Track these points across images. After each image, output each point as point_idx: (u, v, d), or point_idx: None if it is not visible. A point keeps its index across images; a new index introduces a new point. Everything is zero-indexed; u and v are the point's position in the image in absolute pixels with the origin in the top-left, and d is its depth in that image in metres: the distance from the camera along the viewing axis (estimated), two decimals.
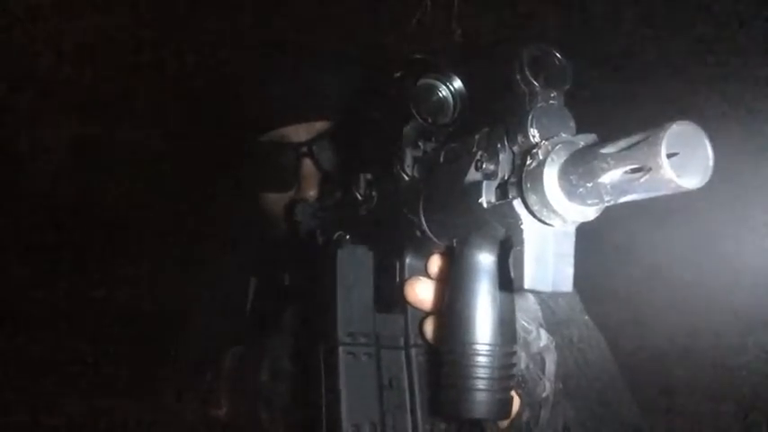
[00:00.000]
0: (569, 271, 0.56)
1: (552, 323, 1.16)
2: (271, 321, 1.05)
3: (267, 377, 0.97)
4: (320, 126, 1.31)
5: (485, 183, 0.60)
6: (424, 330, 0.73)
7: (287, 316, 0.97)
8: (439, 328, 0.68)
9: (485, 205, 0.59)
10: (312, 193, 1.30)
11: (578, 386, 1.11)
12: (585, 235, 0.59)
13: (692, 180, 0.45)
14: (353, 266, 0.74)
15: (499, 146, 0.61)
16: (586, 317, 1.20)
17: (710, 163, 0.46)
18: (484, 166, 0.61)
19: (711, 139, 0.48)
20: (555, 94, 0.58)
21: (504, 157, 0.60)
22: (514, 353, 0.64)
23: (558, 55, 0.59)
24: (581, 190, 0.51)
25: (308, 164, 1.30)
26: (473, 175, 0.62)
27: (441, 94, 0.80)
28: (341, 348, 0.70)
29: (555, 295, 1.11)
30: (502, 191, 0.59)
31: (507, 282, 0.58)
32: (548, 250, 0.55)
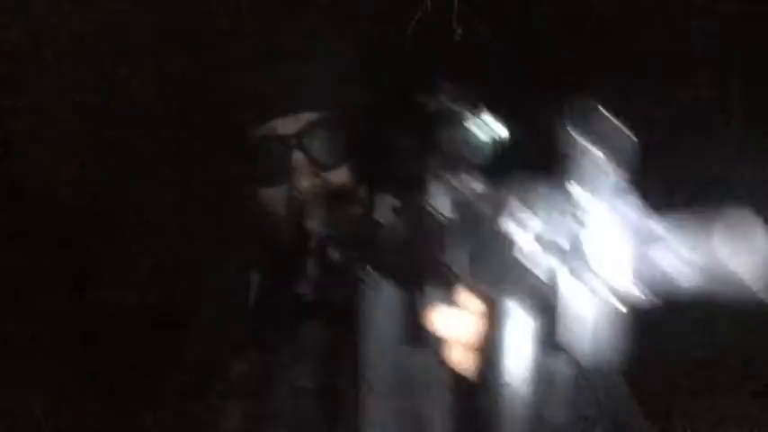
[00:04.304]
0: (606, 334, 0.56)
1: None
2: (285, 332, 1.05)
3: (287, 394, 0.97)
4: (308, 117, 1.34)
5: (523, 236, 0.59)
6: (454, 363, 0.73)
7: (307, 332, 0.97)
8: (474, 364, 0.68)
9: (521, 259, 0.59)
10: (305, 184, 1.33)
11: (579, 388, 1.10)
12: None
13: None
14: (380, 302, 0.74)
15: (536, 200, 0.60)
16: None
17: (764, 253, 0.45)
18: (522, 218, 0.60)
19: None
20: (601, 153, 0.57)
21: (543, 213, 0.59)
22: (545, 394, 0.64)
23: (602, 110, 0.59)
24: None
25: (298, 156, 1.32)
26: (509, 225, 0.62)
27: (475, 135, 0.79)
28: (366, 387, 0.71)
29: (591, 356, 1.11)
30: (537, 246, 0.59)
31: (542, 338, 0.59)
32: (585, 311, 0.55)
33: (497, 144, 0.80)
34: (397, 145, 0.82)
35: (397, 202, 0.86)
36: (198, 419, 1.17)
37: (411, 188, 0.83)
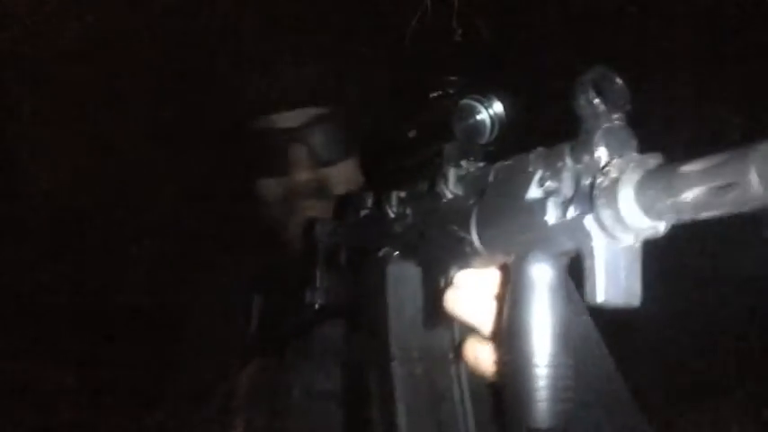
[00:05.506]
0: (638, 286, 0.59)
1: None
2: (294, 341, 1.05)
3: (300, 397, 0.97)
4: (310, 112, 1.39)
5: (550, 200, 0.62)
6: (465, 348, 0.74)
7: (318, 336, 0.98)
8: (497, 340, 0.69)
9: (550, 222, 0.61)
10: (305, 177, 1.39)
11: (575, 387, 1.12)
12: None
13: None
14: (403, 282, 0.76)
15: (560, 164, 0.63)
16: (585, 316, 1.23)
17: None
18: (547, 184, 0.63)
19: None
20: (618, 115, 0.61)
21: (567, 176, 0.62)
22: (572, 364, 0.66)
23: (617, 78, 0.62)
24: (659, 206, 0.54)
25: (297, 149, 1.38)
26: (534, 192, 0.64)
27: (479, 117, 0.83)
28: (395, 363, 0.71)
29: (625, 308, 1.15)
30: (565, 208, 0.62)
31: (571, 296, 0.61)
32: (619, 265, 0.58)
33: (502, 126, 0.83)
34: (413, 139, 0.85)
35: (404, 194, 0.89)
36: (198, 421, 1.15)
37: (424, 177, 0.86)
